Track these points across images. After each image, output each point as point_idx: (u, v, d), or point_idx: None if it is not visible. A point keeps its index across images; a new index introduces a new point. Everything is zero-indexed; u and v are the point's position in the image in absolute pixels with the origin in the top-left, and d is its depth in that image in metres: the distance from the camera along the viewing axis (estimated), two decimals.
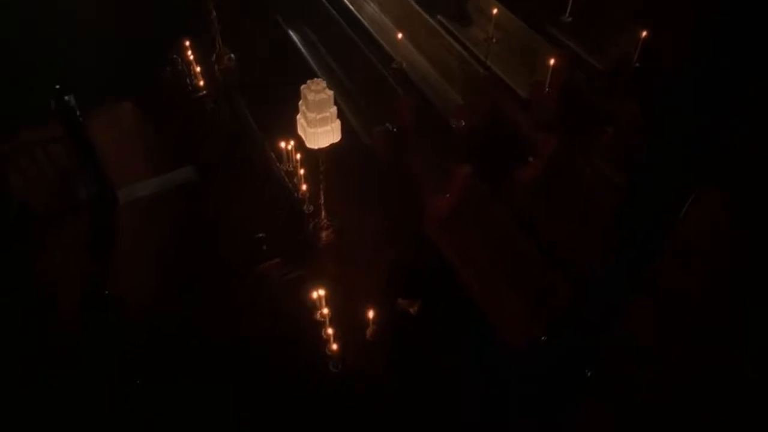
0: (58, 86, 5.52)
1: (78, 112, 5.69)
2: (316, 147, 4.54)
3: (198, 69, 6.54)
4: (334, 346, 4.84)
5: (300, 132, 4.61)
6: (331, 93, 4.38)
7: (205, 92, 6.61)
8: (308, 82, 4.38)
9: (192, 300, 5.29)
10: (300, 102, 4.49)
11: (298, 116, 4.56)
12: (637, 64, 5.05)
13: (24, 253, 5.79)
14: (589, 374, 4.40)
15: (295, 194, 5.67)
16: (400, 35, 6.11)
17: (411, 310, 4.61)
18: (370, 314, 4.64)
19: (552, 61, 5.20)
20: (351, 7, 7.06)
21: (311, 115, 4.35)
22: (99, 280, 5.52)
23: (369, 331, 4.64)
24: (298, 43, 7.34)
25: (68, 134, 5.73)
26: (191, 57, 6.48)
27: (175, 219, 6.21)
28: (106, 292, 4.70)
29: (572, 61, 5.45)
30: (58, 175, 6.12)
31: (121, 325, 4.77)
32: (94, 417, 4.62)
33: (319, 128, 4.40)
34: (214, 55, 6.59)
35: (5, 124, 6.26)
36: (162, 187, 6.51)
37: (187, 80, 6.67)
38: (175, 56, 6.71)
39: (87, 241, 6.01)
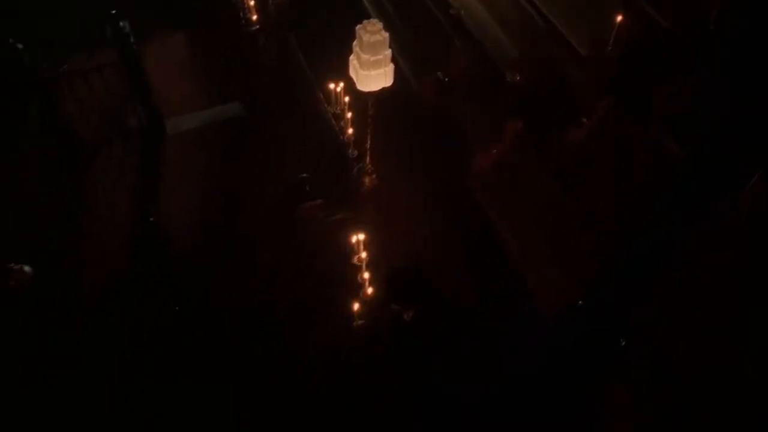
0: (113, 11, 5.53)
1: (132, 39, 5.71)
2: (367, 90, 4.48)
3: (252, 2, 6.47)
4: (369, 290, 4.90)
5: (352, 74, 4.54)
6: (386, 35, 4.28)
7: (257, 27, 6.55)
8: (364, 22, 4.29)
9: (233, 234, 5.42)
10: (354, 43, 4.41)
11: (351, 57, 4.49)
12: (713, 27, 4.75)
13: (73, 178, 5.96)
14: (623, 344, 4.34)
15: (341, 137, 5.65)
16: None
17: (405, 316, 4.54)
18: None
19: (618, 18, 4.95)
20: None
21: (365, 57, 4.27)
22: (145, 207, 5.66)
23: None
24: None
25: (122, 61, 5.76)
26: None
27: (220, 154, 6.27)
28: (151, 219, 4.79)
29: (640, 19, 5.18)
30: (110, 102, 6.19)
31: (165, 252, 4.87)
32: (135, 347, 4.81)
33: (372, 71, 4.32)
34: None
35: (61, 48, 6.34)
36: (209, 120, 6.55)
37: (241, 14, 6.61)
38: None
39: (135, 169, 6.15)
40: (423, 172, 5.68)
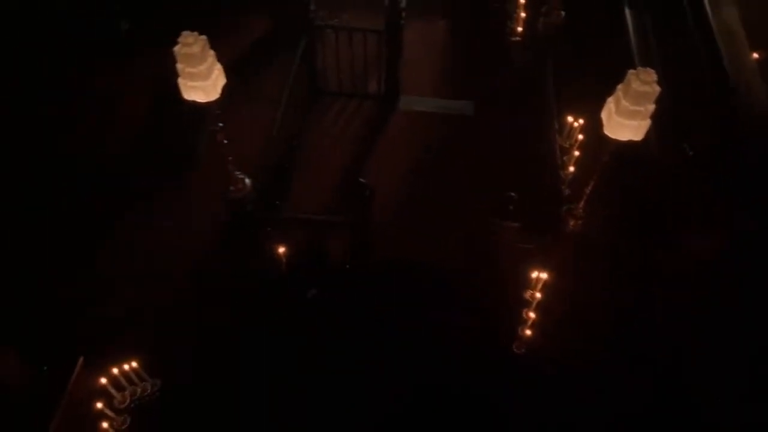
0: None
1: (403, 14, 6.02)
2: (613, 137, 4.24)
3: (523, 15, 6.46)
4: (528, 332, 4.73)
5: (603, 115, 4.33)
6: (657, 89, 4.00)
7: (518, 39, 6.53)
8: (639, 69, 4.05)
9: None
10: (618, 86, 4.19)
11: (610, 99, 4.27)
12: None
13: (305, 121, 6.49)
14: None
15: (560, 171, 5.47)
16: (756, 55, 5.32)
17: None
18: None
19: None
20: (708, 8, 6.28)
21: (625, 104, 4.04)
22: (357, 168, 6.03)
23: None
24: (630, 25, 6.81)
25: (387, 31, 6.09)
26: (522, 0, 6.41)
27: (437, 144, 6.43)
28: (361, 180, 5.05)
29: None
30: (361, 64, 6.61)
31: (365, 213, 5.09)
32: None
33: (628, 120, 4.08)
34: (545, 6, 6.41)
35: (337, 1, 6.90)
36: (439, 109, 6.74)
37: (508, 21, 6.64)
38: None
39: (359, 129, 6.55)
40: (627, 239, 5.31)
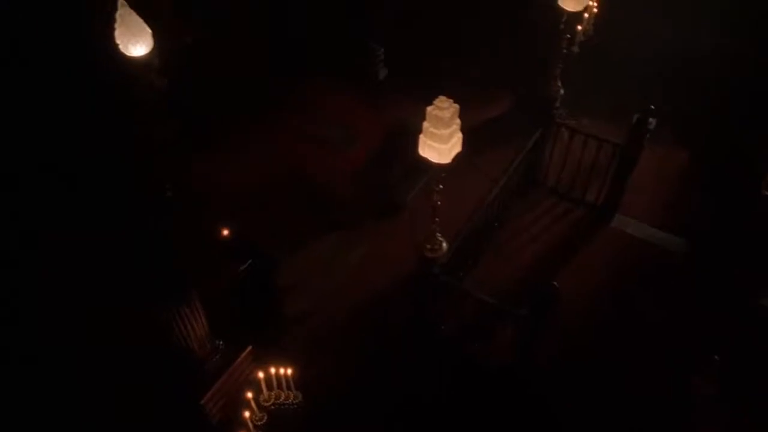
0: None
1: (648, 135, 5.82)
2: None
3: None
4: None
5: None
6: None
7: None
8: None
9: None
10: None
11: None
12: None
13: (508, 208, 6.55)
14: None
15: None
16: None
17: None
18: None
19: None
20: None
21: None
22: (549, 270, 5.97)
23: None
24: None
25: (626, 145, 5.94)
26: None
27: (642, 275, 6.04)
28: (554, 282, 4.89)
29: None
30: (582, 170, 6.51)
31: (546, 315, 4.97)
32: None
33: None
34: None
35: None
36: (652, 239, 6.35)
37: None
38: None
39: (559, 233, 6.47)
40: None
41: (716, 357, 4.31)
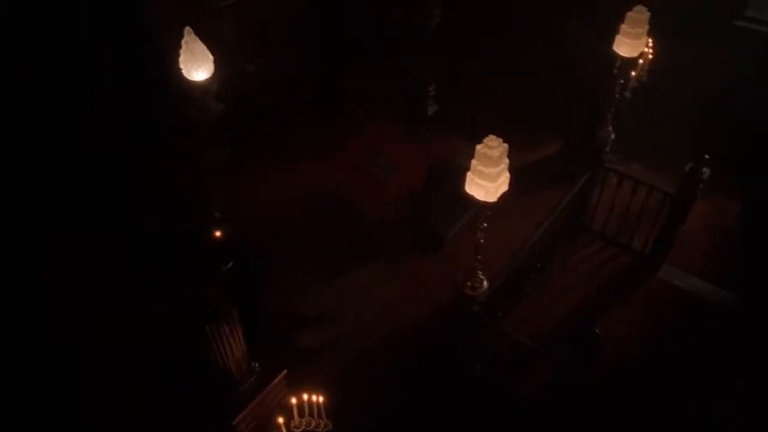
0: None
1: (701, 185, 5.69)
2: None
3: None
4: None
5: None
6: None
7: None
8: None
9: None
10: None
11: None
12: None
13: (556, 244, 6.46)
14: None
15: None
16: None
17: None
18: None
19: None
20: None
21: None
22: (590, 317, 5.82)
23: None
24: None
25: (678, 194, 5.82)
26: None
27: (687, 329, 5.83)
28: (595, 330, 4.79)
29: None
30: (637, 216, 6.38)
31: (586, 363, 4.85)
32: None
33: None
34: None
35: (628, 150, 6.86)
36: (700, 292, 6.15)
37: None
38: None
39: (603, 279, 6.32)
40: None
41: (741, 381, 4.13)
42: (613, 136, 6.13)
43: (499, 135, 4.10)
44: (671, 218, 5.91)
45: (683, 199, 5.73)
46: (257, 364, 4.64)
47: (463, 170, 4.25)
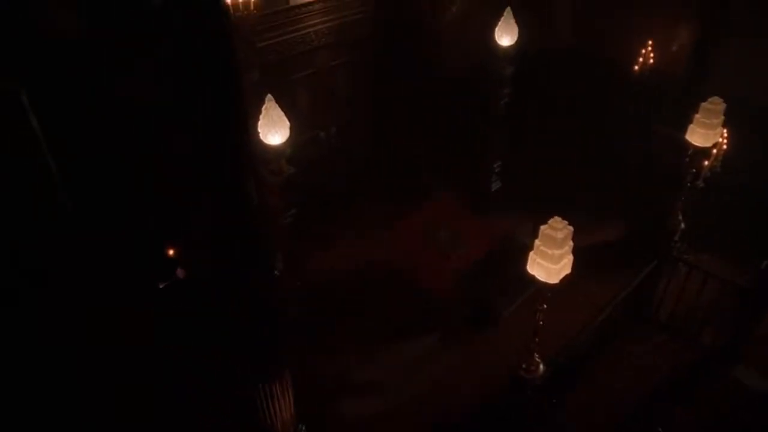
0: None
1: None
2: None
3: None
4: None
5: None
6: None
7: None
8: None
9: None
10: None
11: None
12: None
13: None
14: None
15: None
16: None
17: None
18: None
19: None
20: None
21: None
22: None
23: None
24: None
25: (753, 288, 5.55)
26: None
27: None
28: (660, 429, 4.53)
29: None
30: (705, 310, 6.10)
31: None
32: None
33: None
34: None
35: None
36: None
37: None
38: None
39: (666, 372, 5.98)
40: None
41: None
42: (683, 225, 5.97)
43: (563, 216, 4.08)
44: (745, 314, 5.62)
45: (759, 296, 5.46)
46: (304, 427, 4.60)
47: (524, 248, 4.24)
